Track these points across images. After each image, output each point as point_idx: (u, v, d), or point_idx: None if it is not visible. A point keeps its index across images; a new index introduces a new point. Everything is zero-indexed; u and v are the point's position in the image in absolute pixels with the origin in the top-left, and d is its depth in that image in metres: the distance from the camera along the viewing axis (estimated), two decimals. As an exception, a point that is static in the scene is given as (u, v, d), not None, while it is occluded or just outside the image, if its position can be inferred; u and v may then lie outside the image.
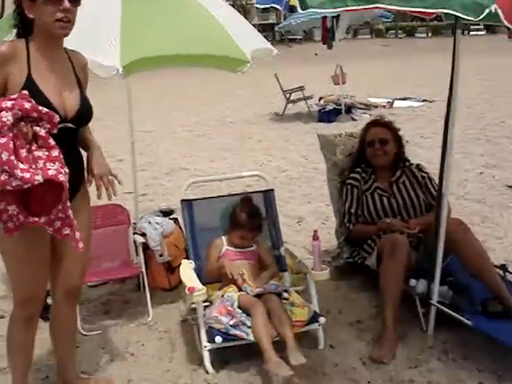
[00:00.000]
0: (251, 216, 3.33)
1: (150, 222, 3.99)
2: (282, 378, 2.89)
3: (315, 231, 3.14)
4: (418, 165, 3.92)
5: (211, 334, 3.04)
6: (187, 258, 3.53)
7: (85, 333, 3.53)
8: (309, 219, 5.40)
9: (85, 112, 2.50)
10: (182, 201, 3.55)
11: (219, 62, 3.51)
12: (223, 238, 3.41)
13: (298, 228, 5.23)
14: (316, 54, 30.27)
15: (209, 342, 3.05)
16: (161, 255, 3.91)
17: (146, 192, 6.78)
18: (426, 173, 3.88)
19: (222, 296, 3.20)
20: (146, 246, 3.93)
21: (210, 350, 3.08)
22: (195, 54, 3.25)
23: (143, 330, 3.56)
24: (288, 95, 12.25)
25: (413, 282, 3.35)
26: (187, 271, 3.26)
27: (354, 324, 3.50)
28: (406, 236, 3.49)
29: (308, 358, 3.10)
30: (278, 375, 2.82)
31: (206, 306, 3.24)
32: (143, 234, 3.91)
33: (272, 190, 3.67)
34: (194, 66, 3.98)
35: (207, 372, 3.06)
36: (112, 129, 11.63)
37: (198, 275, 3.34)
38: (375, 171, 3.87)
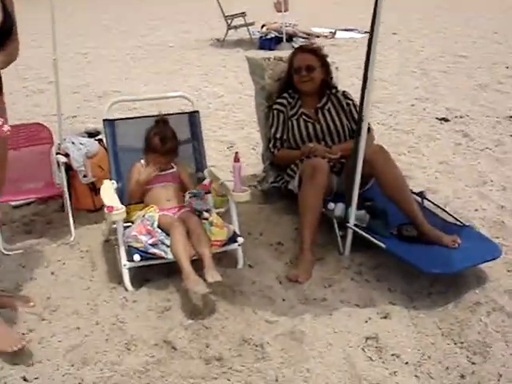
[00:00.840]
0: (163, 139, 3.29)
1: (73, 143, 3.90)
2: (200, 295, 2.98)
3: (236, 153, 3.14)
4: (343, 92, 3.94)
5: (130, 252, 3.06)
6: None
7: (6, 252, 3.51)
8: (240, 145, 5.40)
9: (6, 23, 2.48)
10: (104, 120, 3.47)
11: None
12: (142, 161, 3.38)
13: (228, 153, 5.22)
14: None
15: (128, 260, 3.07)
16: (84, 176, 3.86)
17: (77, 114, 6.59)
18: (352, 100, 3.90)
19: (143, 216, 3.21)
20: (70, 167, 3.86)
21: (129, 269, 3.11)
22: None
23: (65, 250, 3.55)
24: (229, 21, 11.96)
25: (331, 205, 3.43)
26: (107, 191, 3.23)
27: (274, 245, 3.58)
28: (328, 161, 3.54)
29: (226, 276, 3.19)
30: (195, 292, 2.89)
31: (127, 226, 3.25)
32: (66, 155, 3.83)
33: (197, 111, 3.63)
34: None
35: (126, 290, 3.10)
36: (45, 48, 11.15)
37: (120, 195, 3.34)
38: (301, 97, 3.87)
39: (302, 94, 3.86)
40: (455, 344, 2.70)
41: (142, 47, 11.75)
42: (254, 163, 4.69)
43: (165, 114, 3.58)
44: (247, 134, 5.77)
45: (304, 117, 3.81)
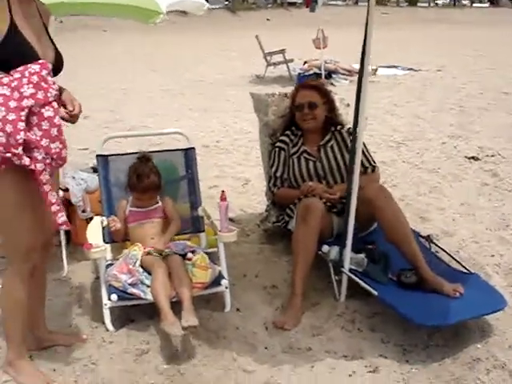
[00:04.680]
0: (140, 177, 3.19)
1: (74, 178, 3.88)
2: (179, 339, 2.85)
3: (222, 192, 3.03)
4: (349, 129, 3.78)
5: (109, 291, 2.97)
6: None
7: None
8: (254, 182, 5.29)
9: (60, 61, 2.46)
10: (98, 156, 3.44)
11: (130, 11, 3.35)
12: (129, 198, 3.31)
13: (242, 190, 5.13)
14: (268, 20, 30.22)
15: (108, 299, 2.97)
16: (83, 211, 3.82)
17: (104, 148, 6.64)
18: (357, 137, 3.74)
19: (127, 254, 3.12)
20: (70, 202, 3.84)
21: (113, 308, 3.02)
22: (104, 2, 3.09)
23: (54, 286, 3.46)
24: (269, 58, 12.01)
25: (325, 248, 3.27)
26: (93, 228, 3.17)
27: (268, 288, 3.42)
28: (326, 201, 3.39)
29: (212, 320, 3.07)
30: (169, 334, 2.76)
31: (111, 264, 3.17)
32: (66, 190, 3.81)
33: (193, 148, 3.55)
34: (106, 15, 3.81)
35: (107, 330, 3.00)
36: (80, 83, 11.45)
37: (109, 234, 3.28)
38: (304, 134, 3.74)
39: (305, 132, 3.73)
40: (446, 405, 2.47)
41: (183, 83, 11.91)
42: (264, 201, 4.55)
43: (159, 151, 3.52)
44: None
45: (305, 155, 3.68)
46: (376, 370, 2.69)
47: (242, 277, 3.53)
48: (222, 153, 6.39)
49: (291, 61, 12.17)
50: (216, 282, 3.07)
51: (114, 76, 13.08)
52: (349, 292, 3.22)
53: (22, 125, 2.13)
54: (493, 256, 3.77)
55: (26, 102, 2.14)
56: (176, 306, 2.86)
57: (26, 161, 2.16)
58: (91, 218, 3.84)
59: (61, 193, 3.70)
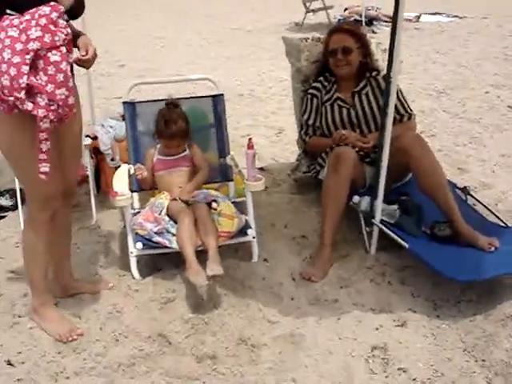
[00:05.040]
0: (168, 123, 3.09)
1: (103, 125, 3.84)
2: (204, 288, 2.83)
3: (250, 139, 2.93)
4: (385, 75, 3.60)
5: (135, 239, 2.95)
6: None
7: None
8: (288, 131, 5.16)
9: (80, 3, 2.36)
10: (124, 103, 3.37)
11: None
12: (157, 146, 3.24)
13: (275, 139, 5.02)
14: None
15: (134, 247, 2.96)
16: (112, 159, 3.79)
17: (135, 97, 6.57)
18: (393, 84, 3.57)
19: (154, 203, 3.09)
20: (99, 150, 3.81)
21: (140, 257, 3.01)
22: None
23: (83, 234, 3.48)
24: (308, 4, 11.64)
25: (356, 198, 3.16)
26: (120, 176, 3.13)
27: (297, 239, 3.36)
28: (359, 150, 3.27)
29: (238, 270, 3.04)
30: (194, 283, 2.72)
31: (138, 212, 3.15)
32: (95, 137, 3.78)
33: (222, 94, 3.42)
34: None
35: (134, 278, 3.00)
36: (126, 32, 11.39)
37: (136, 182, 3.24)
38: (338, 81, 3.58)
39: (339, 78, 3.58)
40: (476, 361, 2.39)
41: (220, 31, 11.70)
42: (297, 150, 4.44)
43: (187, 98, 3.43)
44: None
45: (339, 102, 3.54)
46: (404, 324, 2.62)
47: (270, 226, 3.46)
48: (257, 101, 6.25)
49: (331, 7, 11.77)
50: (243, 231, 3.01)
51: (152, 24, 12.95)
52: (380, 244, 3.13)
53: (25, 68, 2.02)
54: (533, 210, 3.60)
55: (32, 45, 2.04)
56: (202, 255, 2.83)
57: (29, 106, 2.08)
58: (120, 167, 3.82)
59: (89, 140, 3.68)
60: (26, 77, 2.03)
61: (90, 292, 2.90)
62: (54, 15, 2.09)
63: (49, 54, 2.07)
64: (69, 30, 2.14)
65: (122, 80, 7.25)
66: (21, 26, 2.06)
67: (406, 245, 2.84)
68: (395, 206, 3.15)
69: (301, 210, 3.67)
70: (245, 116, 5.60)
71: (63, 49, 2.10)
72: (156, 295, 2.87)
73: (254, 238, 3.05)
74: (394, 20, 2.70)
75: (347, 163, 3.09)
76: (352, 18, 11.36)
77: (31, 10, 2.08)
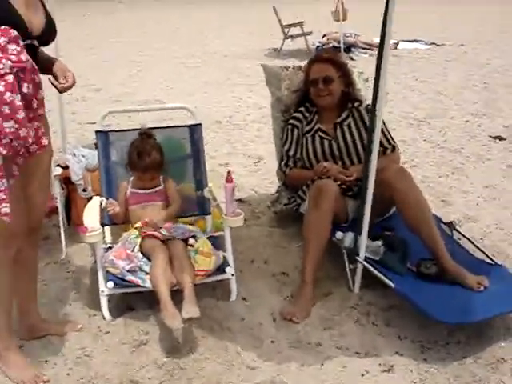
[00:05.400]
0: (141, 154, 2.94)
1: (74, 154, 3.68)
2: (181, 330, 2.66)
3: (228, 172, 2.80)
4: (368, 105, 3.51)
5: (106, 278, 2.78)
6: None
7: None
8: (268, 160, 5.04)
9: (51, 28, 2.24)
10: (97, 132, 3.22)
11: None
12: (130, 178, 3.09)
13: (254, 169, 4.90)
14: None
15: (106, 287, 2.78)
16: (84, 190, 3.62)
17: (111, 123, 6.42)
18: (376, 115, 3.48)
19: (127, 239, 2.93)
20: (70, 180, 3.64)
21: (111, 295, 2.83)
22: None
23: (52, 269, 3.30)
24: (287, 30, 11.65)
25: (339, 234, 3.04)
26: (91, 209, 2.96)
27: (277, 276, 3.21)
28: (340, 183, 3.16)
29: (216, 309, 2.88)
30: (169, 327, 2.56)
31: (110, 247, 2.98)
32: (66, 167, 3.61)
33: (199, 124, 3.29)
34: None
35: (104, 318, 2.82)
36: (99, 56, 11.25)
37: (108, 216, 3.09)
38: (319, 111, 3.48)
39: (320, 108, 3.48)
40: (466, 409, 2.26)
41: (197, 56, 11.62)
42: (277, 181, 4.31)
43: (163, 127, 3.28)
44: (278, 148, 5.43)
45: (320, 133, 3.43)
46: (391, 369, 2.49)
47: (249, 263, 3.32)
48: (235, 129, 6.14)
49: (310, 33, 11.80)
50: (221, 269, 2.86)
51: (128, 47, 12.83)
52: (364, 282, 3.00)
53: None
54: (519, 245, 3.51)
55: None
56: (177, 294, 2.67)
57: None
58: (92, 198, 3.65)
59: (60, 170, 3.52)
60: None
61: (57, 333, 2.71)
62: (2, 40, 1.93)
63: None
64: (24, 57, 1.98)
65: (97, 105, 7.10)
66: None
67: (392, 284, 2.72)
68: (379, 242, 3.03)
69: (281, 244, 3.54)
70: (223, 144, 5.48)
71: (9, 77, 1.94)
72: (128, 337, 2.70)
73: (232, 275, 2.90)
74: (380, 51, 2.61)
75: (329, 197, 2.97)
76: (330, 45, 11.40)
77: None
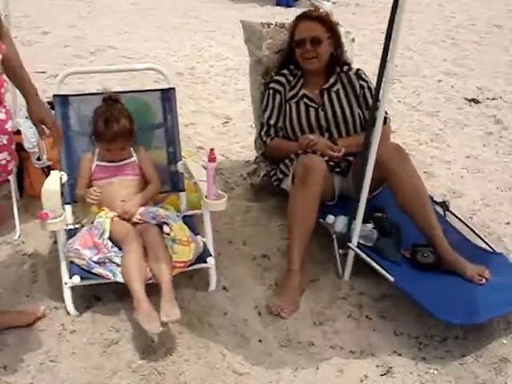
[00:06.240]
0: (107, 121, 2.57)
1: (27, 118, 3.22)
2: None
3: (211, 150, 2.44)
4: (358, 70, 3.20)
5: (71, 270, 2.44)
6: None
7: None
8: (236, 120, 4.69)
9: None
10: (54, 96, 2.79)
11: None
12: (96, 150, 2.71)
13: (223, 130, 4.53)
14: None
15: (70, 278, 2.44)
16: (38, 159, 3.21)
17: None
18: (367, 81, 3.17)
19: (92, 222, 2.58)
20: (22, 147, 3.21)
21: (72, 287, 2.49)
22: None
23: (4, 252, 2.91)
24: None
25: (330, 218, 2.77)
26: (50, 188, 2.56)
27: (258, 258, 2.94)
28: (328, 159, 2.88)
29: (194, 302, 2.61)
30: (145, 330, 2.26)
31: (72, 230, 2.63)
32: (18, 132, 3.17)
33: (173, 88, 2.90)
34: None
35: (68, 313, 2.49)
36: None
37: (71, 193, 2.72)
38: (305, 75, 3.15)
39: (306, 72, 3.14)
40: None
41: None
42: (250, 146, 3.95)
43: (131, 91, 2.89)
44: (248, 106, 5.02)
45: (305, 100, 3.11)
46: (390, 371, 2.29)
47: (227, 244, 3.02)
48: (198, 82, 5.71)
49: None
50: (201, 258, 2.55)
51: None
52: (354, 268, 2.77)
53: None
54: (508, 224, 3.34)
55: None
56: (153, 288, 2.38)
57: None
58: (48, 167, 3.25)
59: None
60: None
61: (20, 324, 2.40)
62: None
63: None
64: None
65: (47, 50, 6.50)
66: None
67: (392, 278, 2.49)
68: (371, 226, 2.79)
69: (260, 221, 3.24)
70: (187, 100, 5.06)
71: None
72: (96, 336, 2.40)
73: (210, 266, 2.61)
74: (392, 14, 2.28)
75: (317, 176, 2.69)
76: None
77: None
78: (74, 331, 2.41)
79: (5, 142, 1.83)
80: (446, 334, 2.47)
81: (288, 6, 10.16)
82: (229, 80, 5.76)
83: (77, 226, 2.75)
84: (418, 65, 6.56)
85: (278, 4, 10.42)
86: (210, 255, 2.56)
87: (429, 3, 10.68)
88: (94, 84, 4.98)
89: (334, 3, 10.26)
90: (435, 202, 3.07)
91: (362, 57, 6.49)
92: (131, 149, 2.74)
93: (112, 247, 2.48)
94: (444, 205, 3.04)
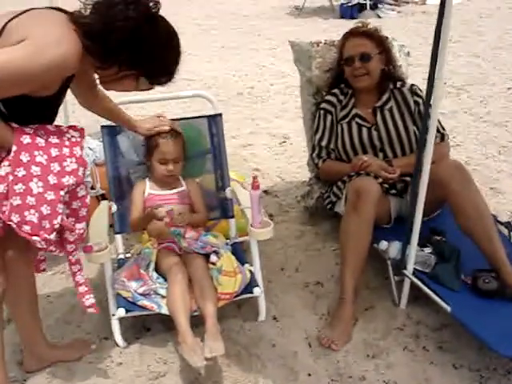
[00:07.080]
0: (163, 134, 2.64)
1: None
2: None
3: (254, 177, 2.38)
4: (412, 85, 3.05)
5: (117, 302, 2.43)
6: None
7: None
8: (294, 140, 4.61)
9: None
10: (103, 127, 2.81)
11: None
12: (146, 179, 2.71)
13: (280, 150, 4.47)
14: None
15: (117, 312, 2.43)
16: (92, 188, 3.25)
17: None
18: (421, 97, 3.00)
19: (139, 253, 2.56)
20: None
21: (120, 319, 2.48)
22: None
23: (59, 281, 2.96)
24: (308, -14, 10.99)
25: (383, 244, 2.63)
26: (97, 219, 2.58)
27: (311, 286, 2.83)
28: (383, 181, 2.75)
29: (243, 333, 2.54)
30: (189, 364, 2.21)
31: (122, 260, 2.63)
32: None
33: (219, 114, 2.86)
34: None
35: (117, 345, 2.48)
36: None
37: (121, 222, 2.72)
38: (356, 93, 3.04)
39: (357, 90, 3.03)
40: None
41: (214, 16, 11.04)
42: (307, 166, 3.85)
43: (179, 119, 2.87)
44: (306, 125, 4.98)
45: (358, 119, 2.99)
46: (449, 408, 2.12)
47: (279, 271, 2.94)
48: (258, 102, 5.68)
49: (333, -11, 11.13)
50: (247, 289, 2.48)
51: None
52: (410, 294, 2.62)
53: (60, 207, 1.78)
54: None
55: (68, 180, 1.79)
56: (199, 319, 2.33)
57: (53, 248, 1.88)
58: (103, 196, 3.29)
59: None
60: (60, 217, 1.79)
61: (70, 359, 2.40)
62: (84, 143, 1.83)
63: (77, 189, 1.86)
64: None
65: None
66: (52, 153, 1.76)
67: (448, 308, 2.32)
68: (429, 251, 2.64)
69: (314, 246, 3.14)
70: (245, 121, 5.04)
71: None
72: (143, 368, 2.37)
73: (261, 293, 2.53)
74: (438, 24, 2.15)
75: (370, 200, 2.56)
76: (355, 1, 10.73)
77: (51, 128, 1.79)
78: (121, 364, 2.39)
79: (84, 213, 1.92)
80: (510, 366, 2.29)
81: (352, 17, 10.03)
82: (288, 98, 5.70)
83: (128, 255, 2.75)
84: (486, 72, 6.27)
85: (341, 17, 10.34)
86: (257, 285, 2.48)
87: (499, 6, 10.27)
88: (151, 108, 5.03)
89: (399, 12, 10.09)
90: (499, 222, 2.87)
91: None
92: (180, 178, 2.73)
93: (158, 278, 2.45)
94: (509, 225, 2.84)
